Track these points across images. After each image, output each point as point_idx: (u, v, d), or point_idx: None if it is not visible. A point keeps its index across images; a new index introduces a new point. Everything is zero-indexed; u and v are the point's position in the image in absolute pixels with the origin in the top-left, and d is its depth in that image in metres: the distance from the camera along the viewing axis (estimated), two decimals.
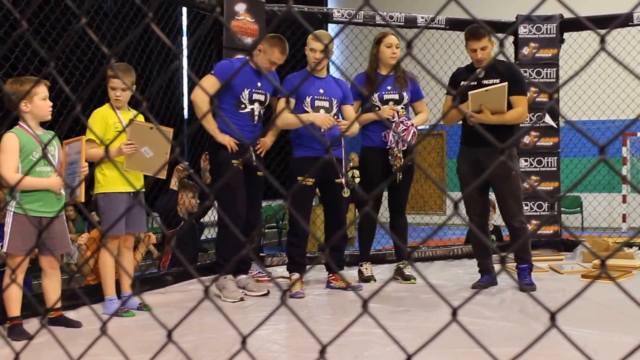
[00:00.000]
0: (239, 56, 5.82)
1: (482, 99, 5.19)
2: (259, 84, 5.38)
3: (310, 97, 5.46)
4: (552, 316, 0.94)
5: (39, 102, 4.26)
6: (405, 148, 5.60)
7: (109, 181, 4.78)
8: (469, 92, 5.19)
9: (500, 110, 5.23)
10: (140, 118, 4.92)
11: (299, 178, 5.42)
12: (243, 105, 5.32)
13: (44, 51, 1.36)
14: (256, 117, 5.39)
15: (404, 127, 5.57)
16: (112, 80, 4.81)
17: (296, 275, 5.58)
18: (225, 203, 5.18)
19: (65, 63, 5.67)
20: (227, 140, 5.24)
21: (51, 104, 4.34)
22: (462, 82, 5.47)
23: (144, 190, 4.91)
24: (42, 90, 4.27)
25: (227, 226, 5.24)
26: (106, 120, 4.78)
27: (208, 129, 5.34)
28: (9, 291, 4.17)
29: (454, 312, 1.00)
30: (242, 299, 5.15)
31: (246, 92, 5.32)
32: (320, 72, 5.55)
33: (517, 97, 5.32)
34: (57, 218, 4.37)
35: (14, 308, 4.18)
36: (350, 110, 5.67)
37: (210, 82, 5.26)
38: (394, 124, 5.59)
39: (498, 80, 5.28)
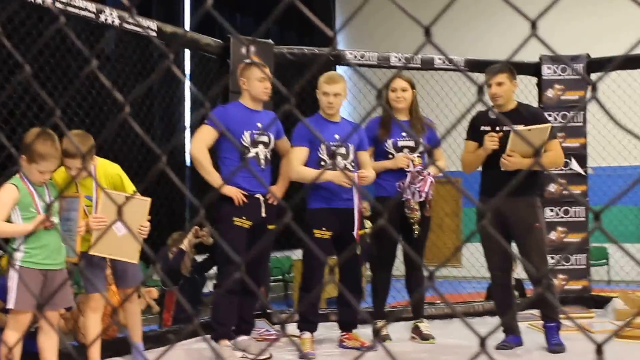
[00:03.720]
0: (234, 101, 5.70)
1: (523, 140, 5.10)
2: (258, 124, 5.25)
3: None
4: None
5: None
6: (422, 199, 5.55)
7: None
8: (511, 133, 5.12)
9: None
10: (115, 170, 4.75)
11: (315, 231, 5.36)
12: (247, 150, 5.19)
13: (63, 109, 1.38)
14: (263, 162, 5.26)
15: (421, 177, 5.54)
16: (65, 160, 4.33)
17: (307, 335, 5.52)
18: (223, 266, 5.09)
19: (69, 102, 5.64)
20: (233, 192, 5.08)
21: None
22: (482, 127, 5.45)
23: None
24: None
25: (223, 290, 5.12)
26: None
27: (211, 182, 5.15)
28: (8, 352, 4.04)
29: None
30: None
31: (246, 134, 5.19)
32: (333, 117, 5.49)
33: (550, 141, 5.33)
34: (59, 271, 4.29)
35: None
36: (366, 156, 5.62)
37: (206, 132, 5.17)
38: (409, 174, 5.57)
39: (522, 126, 5.23)
